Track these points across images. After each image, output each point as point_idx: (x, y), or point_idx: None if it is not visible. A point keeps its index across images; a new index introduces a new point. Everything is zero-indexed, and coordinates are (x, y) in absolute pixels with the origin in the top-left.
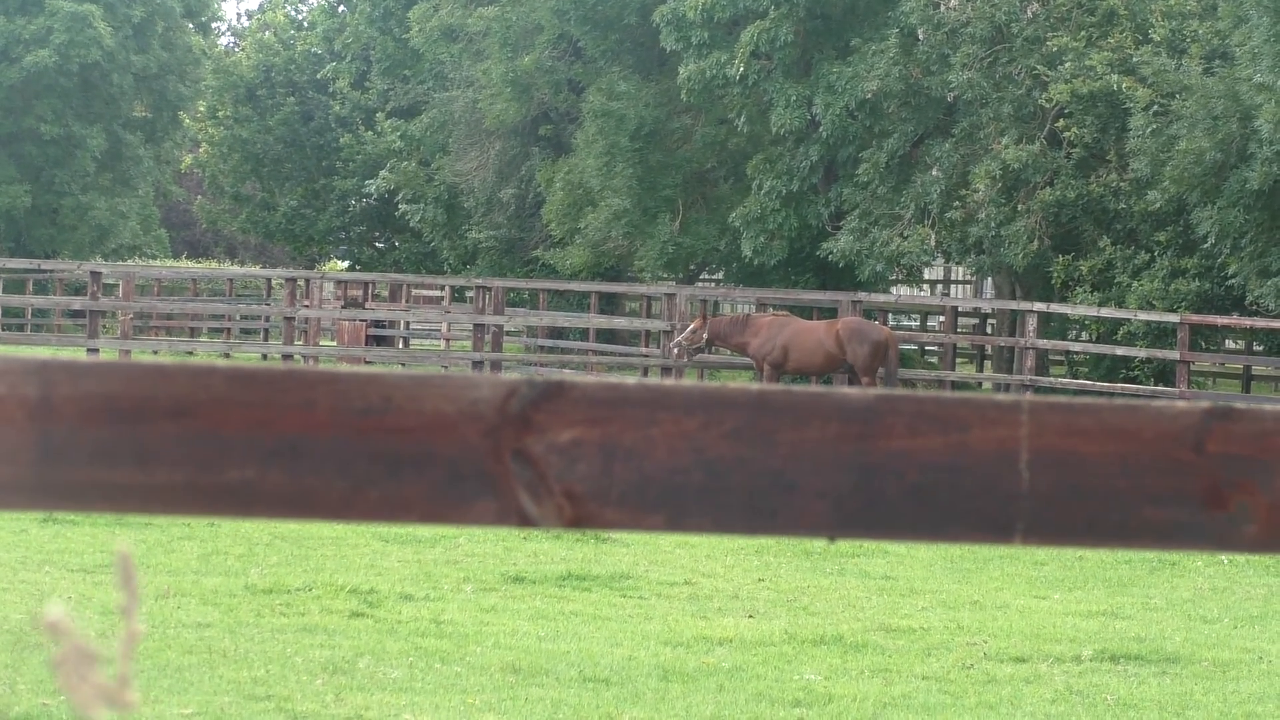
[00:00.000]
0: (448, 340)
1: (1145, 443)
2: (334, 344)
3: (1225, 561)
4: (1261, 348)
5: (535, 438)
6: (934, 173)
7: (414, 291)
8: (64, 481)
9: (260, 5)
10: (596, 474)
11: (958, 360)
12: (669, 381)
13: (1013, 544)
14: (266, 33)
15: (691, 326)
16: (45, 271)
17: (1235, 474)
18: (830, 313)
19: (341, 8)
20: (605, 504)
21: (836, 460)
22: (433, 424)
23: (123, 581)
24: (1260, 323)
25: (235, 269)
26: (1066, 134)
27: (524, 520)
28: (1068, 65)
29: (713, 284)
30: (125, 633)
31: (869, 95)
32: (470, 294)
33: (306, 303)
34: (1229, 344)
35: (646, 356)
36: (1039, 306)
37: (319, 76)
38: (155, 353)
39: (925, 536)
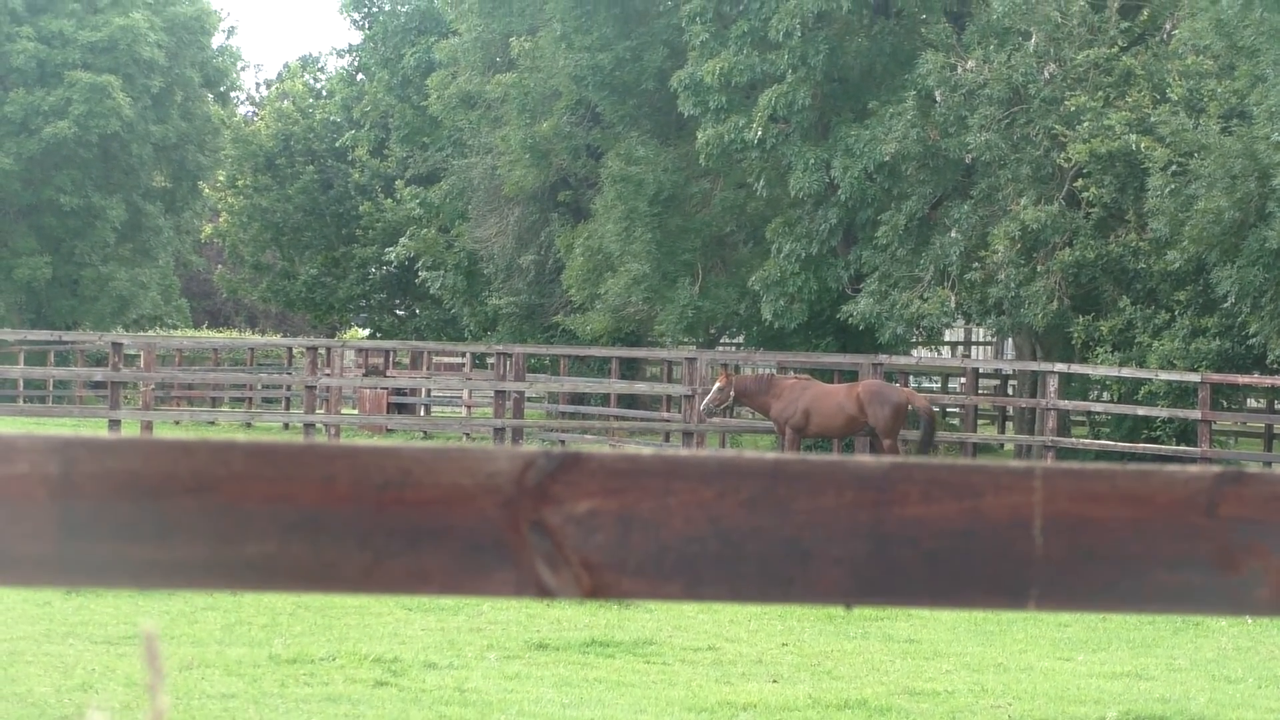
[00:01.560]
0: (469, 407)
1: (1158, 507)
2: (355, 412)
3: (1249, 621)
4: None
5: (552, 509)
6: (953, 234)
7: (435, 359)
8: (87, 557)
9: (279, 74)
10: (614, 544)
11: (979, 422)
12: (685, 452)
13: (1027, 609)
14: (285, 102)
15: (717, 385)
16: (66, 343)
17: (1247, 537)
18: (851, 376)
19: (360, 76)
20: (623, 574)
21: (852, 528)
22: (451, 497)
23: (148, 660)
24: None
25: (256, 338)
26: (1085, 194)
27: (542, 591)
28: (1085, 125)
29: (733, 348)
30: (152, 710)
31: (887, 157)
32: (491, 360)
33: (328, 371)
34: (1251, 403)
35: (668, 421)
36: (1060, 367)
37: (338, 145)
38: (177, 423)
39: (941, 603)
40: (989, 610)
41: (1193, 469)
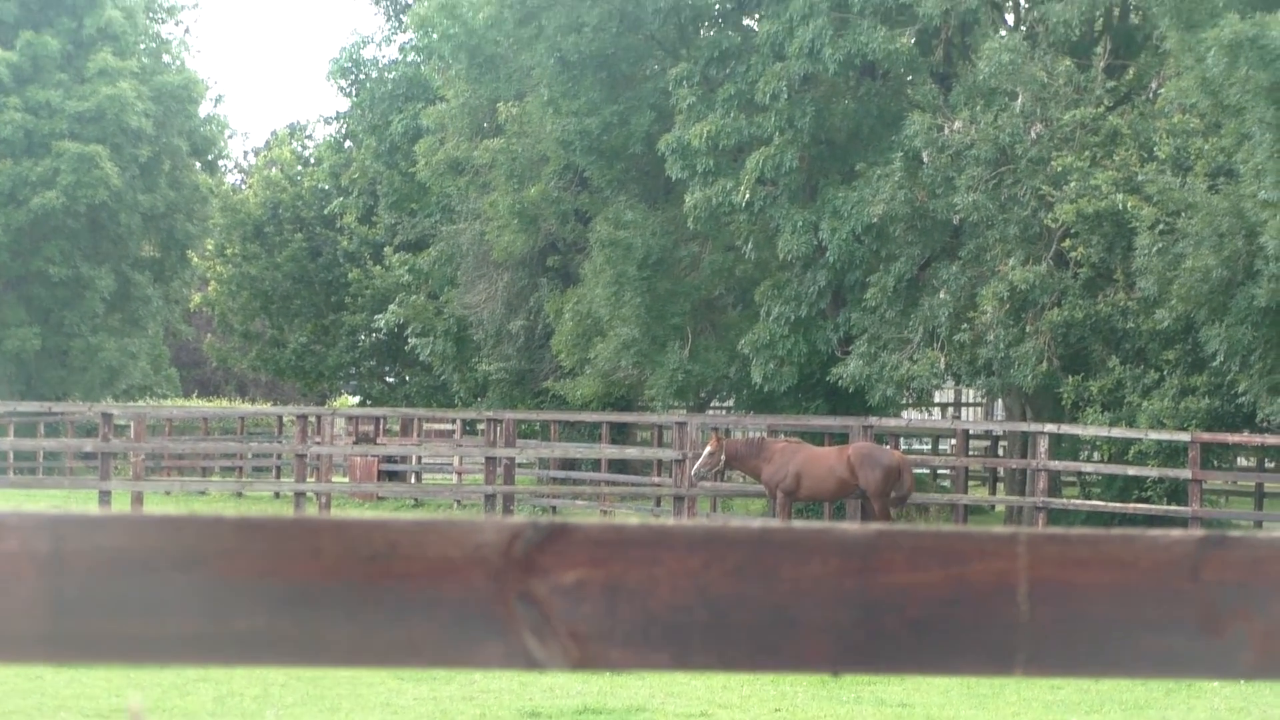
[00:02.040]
0: (460, 474)
1: (1142, 572)
2: (346, 480)
3: (1241, 681)
4: (1273, 465)
5: (540, 580)
6: (941, 295)
7: (425, 425)
8: (77, 634)
9: (266, 142)
10: (601, 614)
11: (970, 483)
12: (670, 521)
13: (1014, 675)
14: (273, 169)
15: (708, 450)
16: (56, 414)
17: (1231, 601)
18: (841, 438)
19: (347, 143)
20: (610, 644)
21: (838, 596)
22: (438, 569)
23: None
24: (1271, 440)
25: (246, 407)
26: (1073, 254)
27: (530, 663)
28: (1072, 185)
29: (723, 411)
30: None
31: (875, 219)
32: (482, 427)
33: (318, 439)
34: (1241, 461)
35: (659, 486)
36: (1050, 428)
37: (326, 212)
38: (168, 493)
39: (927, 670)
40: (976, 676)
41: (1175, 533)
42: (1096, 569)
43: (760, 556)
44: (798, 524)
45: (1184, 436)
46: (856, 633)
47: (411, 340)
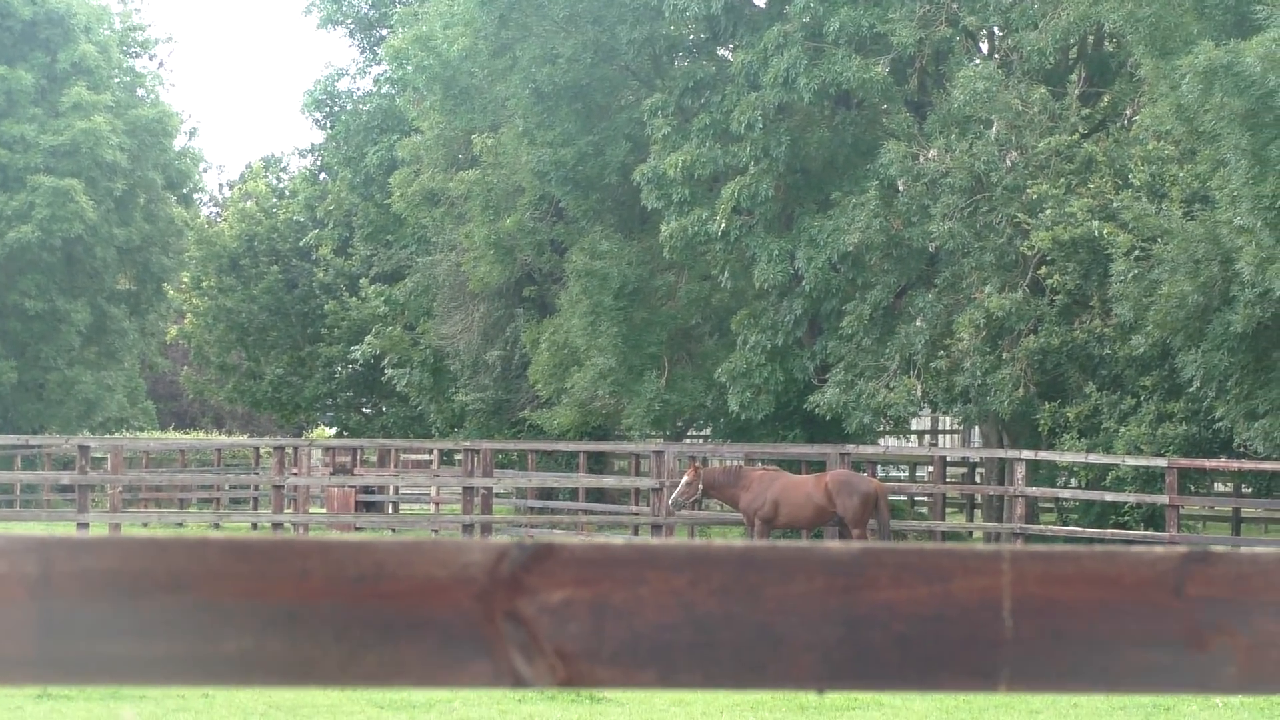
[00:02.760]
0: (437, 504)
1: (1125, 588)
2: (324, 511)
3: (1220, 704)
4: (1250, 490)
5: (526, 599)
6: (918, 323)
7: (402, 456)
8: (65, 655)
9: (241, 175)
10: (587, 633)
11: (948, 510)
12: (656, 540)
13: (998, 691)
14: (248, 202)
15: (685, 479)
16: (33, 447)
17: (1214, 616)
18: (818, 466)
19: (322, 175)
20: (597, 663)
21: (823, 613)
22: (425, 589)
23: None
24: (1248, 465)
25: (223, 439)
26: (1049, 281)
27: (517, 681)
28: (1048, 212)
29: (700, 440)
30: None
31: (851, 248)
32: (459, 457)
33: (295, 470)
34: (1218, 486)
35: (637, 514)
36: (1027, 454)
37: (302, 244)
38: (145, 525)
39: (912, 686)
40: (961, 692)
41: (1159, 549)
42: (1080, 586)
43: (745, 575)
44: (781, 543)
45: (1161, 462)
46: (842, 650)
47: (388, 371)
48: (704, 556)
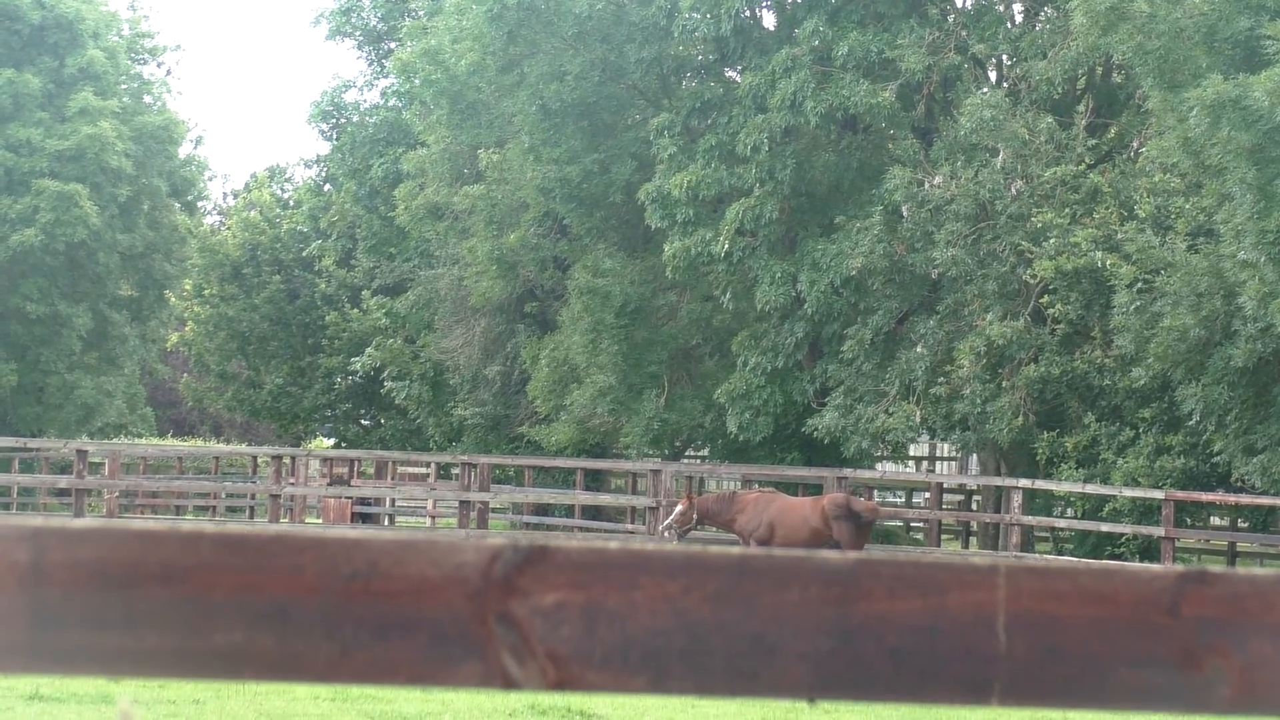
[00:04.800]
0: (433, 517)
1: (1121, 606)
2: (320, 521)
3: None
4: (1247, 524)
5: (519, 601)
6: (919, 349)
7: (399, 469)
8: (55, 646)
9: (246, 184)
10: (580, 636)
11: (943, 537)
12: (651, 545)
13: (990, 705)
14: (252, 211)
15: (679, 509)
16: (31, 450)
17: (1210, 637)
18: (816, 489)
19: (327, 186)
20: (588, 666)
21: (817, 623)
22: (418, 588)
23: None
24: (1245, 499)
25: (221, 447)
26: (1051, 310)
27: (508, 683)
28: (1052, 242)
29: (698, 460)
30: None
31: (854, 272)
32: (456, 471)
33: (292, 480)
34: (1214, 520)
35: (632, 533)
36: (1024, 483)
37: (304, 255)
38: None
39: (904, 698)
40: (952, 706)
41: (1155, 568)
42: (1075, 602)
43: (740, 583)
44: (777, 551)
45: (1158, 494)
46: (835, 660)
47: (388, 384)
48: (699, 563)
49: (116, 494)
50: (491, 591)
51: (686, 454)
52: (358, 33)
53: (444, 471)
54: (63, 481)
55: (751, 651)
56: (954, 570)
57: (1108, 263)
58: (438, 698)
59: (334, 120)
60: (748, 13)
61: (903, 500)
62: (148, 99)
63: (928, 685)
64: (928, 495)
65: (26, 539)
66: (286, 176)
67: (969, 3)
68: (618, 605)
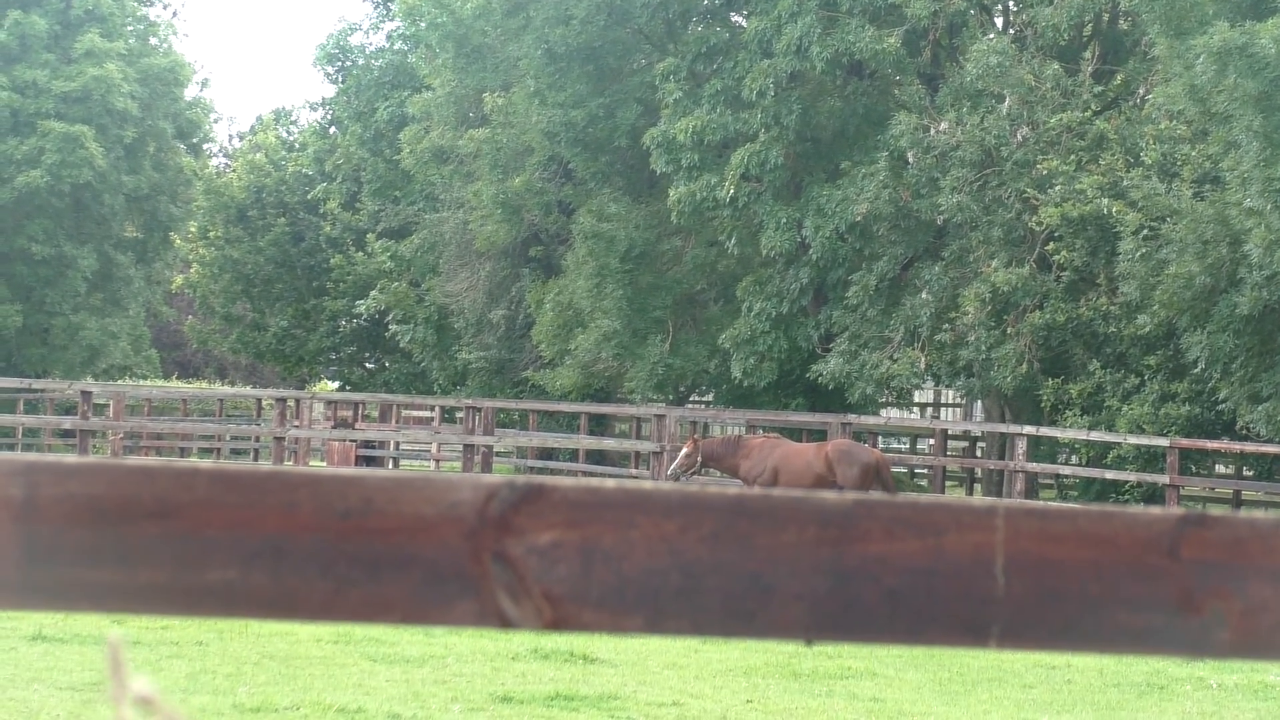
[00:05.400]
0: (438, 461)
1: (1120, 548)
2: (324, 464)
3: (1215, 686)
4: (1252, 472)
5: (515, 540)
6: (924, 295)
7: (404, 412)
8: (48, 581)
9: (251, 127)
10: (575, 576)
11: (947, 483)
12: (648, 485)
13: (988, 648)
14: (258, 154)
15: (685, 451)
16: (36, 391)
17: (1209, 580)
18: (820, 435)
19: (332, 129)
20: (584, 606)
21: (813, 564)
22: (413, 526)
23: (112, 668)
24: (1250, 447)
25: (225, 389)
26: (1056, 257)
27: (504, 622)
28: (1058, 189)
29: (703, 405)
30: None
31: (859, 218)
32: (460, 415)
33: (296, 423)
34: (1219, 468)
35: (636, 477)
36: (1029, 430)
37: (310, 197)
38: None
39: (901, 639)
40: (950, 647)
41: (1155, 510)
42: (1074, 544)
43: (736, 523)
44: (774, 492)
45: (1163, 442)
46: (831, 601)
47: (392, 327)
48: (696, 502)
49: (121, 435)
50: (487, 530)
51: (691, 399)
52: None
53: (448, 415)
54: (67, 423)
55: (748, 592)
56: (952, 511)
57: (1113, 210)
58: (440, 640)
59: (340, 63)
60: None
61: (907, 447)
62: (154, 41)
63: (925, 627)
64: (932, 442)
65: (19, 474)
66: (292, 119)
67: None
68: (614, 545)
